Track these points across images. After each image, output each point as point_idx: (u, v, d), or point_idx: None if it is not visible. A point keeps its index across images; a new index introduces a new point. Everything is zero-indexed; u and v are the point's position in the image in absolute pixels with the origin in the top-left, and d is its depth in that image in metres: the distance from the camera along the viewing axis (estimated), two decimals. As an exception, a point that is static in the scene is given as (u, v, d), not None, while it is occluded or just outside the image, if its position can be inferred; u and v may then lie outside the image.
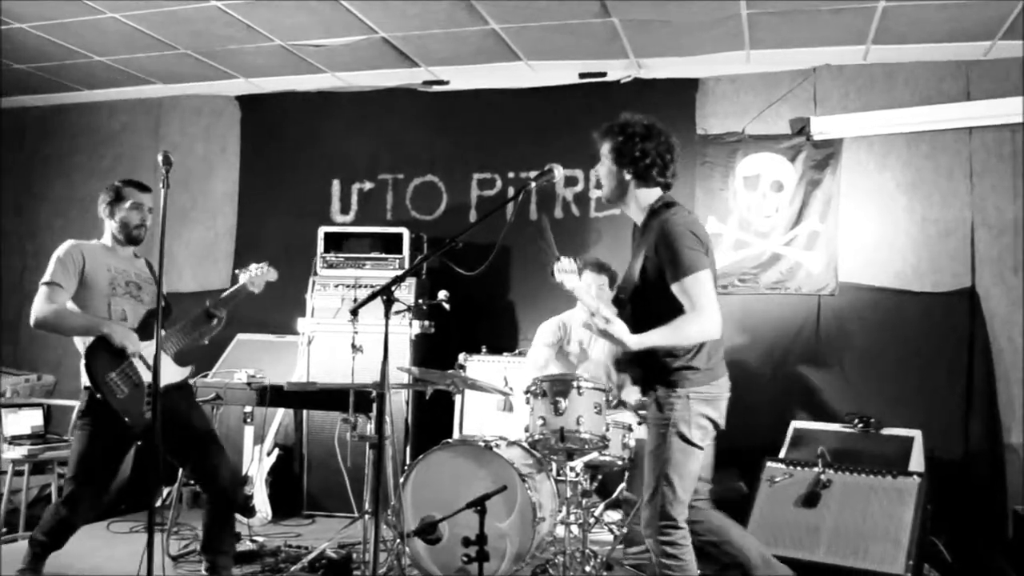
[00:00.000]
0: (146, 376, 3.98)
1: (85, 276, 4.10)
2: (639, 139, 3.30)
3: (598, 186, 6.24)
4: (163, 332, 3.80)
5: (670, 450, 3.17)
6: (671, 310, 3.10)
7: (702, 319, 3.06)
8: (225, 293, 4.38)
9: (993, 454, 5.57)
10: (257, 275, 4.37)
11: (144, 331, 4.06)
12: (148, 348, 3.98)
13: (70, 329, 4.07)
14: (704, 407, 3.19)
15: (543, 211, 6.64)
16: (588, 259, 5.54)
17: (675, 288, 3.10)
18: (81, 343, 4.05)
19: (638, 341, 3.09)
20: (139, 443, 4.36)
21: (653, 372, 3.25)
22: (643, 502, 3.26)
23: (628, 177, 3.34)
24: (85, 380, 3.98)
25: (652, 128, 3.36)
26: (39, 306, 3.99)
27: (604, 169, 3.42)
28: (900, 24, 5.50)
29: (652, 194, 3.36)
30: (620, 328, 3.09)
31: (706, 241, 3.20)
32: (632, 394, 5.28)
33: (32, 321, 4.00)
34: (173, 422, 3.95)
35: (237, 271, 4.45)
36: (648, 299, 3.21)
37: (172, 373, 4.17)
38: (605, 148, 3.40)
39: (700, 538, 3.35)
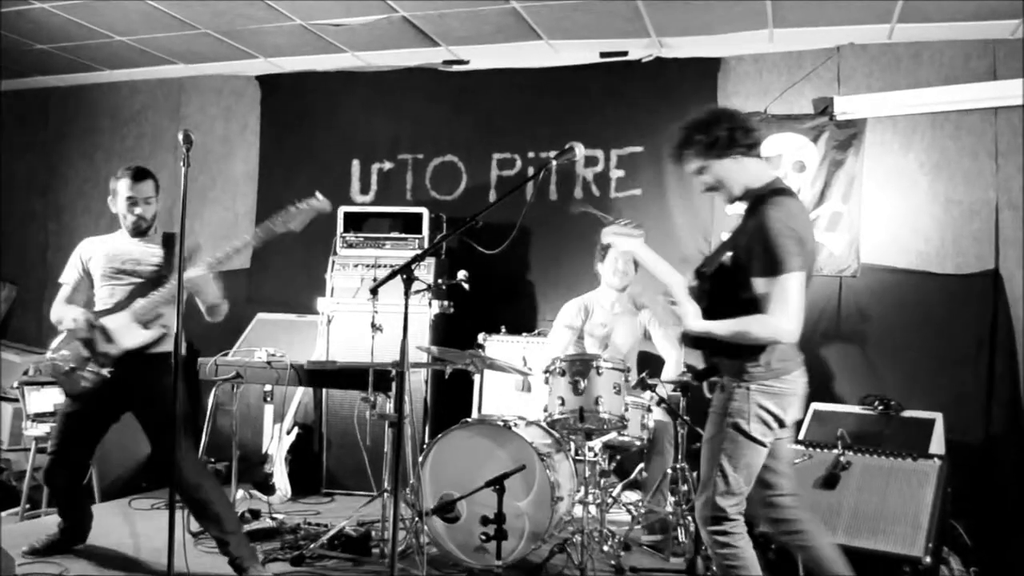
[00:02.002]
0: (101, 347, 4.14)
1: (89, 271, 4.36)
2: (714, 124, 3.18)
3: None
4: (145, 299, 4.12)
5: (725, 441, 3.13)
6: (748, 300, 3.02)
7: (776, 323, 2.97)
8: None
9: (1015, 437, 5.53)
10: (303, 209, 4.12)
11: (128, 303, 4.19)
12: (117, 317, 4.17)
13: (57, 320, 4.30)
14: (766, 401, 3.09)
15: (564, 192, 6.62)
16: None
17: (759, 283, 3.01)
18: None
19: (702, 327, 3.07)
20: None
21: (721, 358, 3.20)
22: (699, 490, 3.23)
23: (737, 159, 3.18)
24: None
25: (716, 110, 3.33)
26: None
27: (711, 176, 3.24)
28: (925, 3, 5.42)
29: (760, 170, 3.22)
30: (690, 311, 3.08)
31: (805, 235, 3.06)
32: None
33: None
34: (129, 392, 4.16)
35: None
36: (728, 282, 3.12)
37: (131, 337, 4.17)
38: (696, 159, 3.23)
39: (785, 537, 3.29)
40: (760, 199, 3.14)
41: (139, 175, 4.29)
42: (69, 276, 4.40)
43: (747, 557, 3.11)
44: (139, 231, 4.32)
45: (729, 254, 3.17)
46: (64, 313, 4.24)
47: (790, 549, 3.32)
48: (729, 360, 3.16)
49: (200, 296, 4.21)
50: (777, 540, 3.33)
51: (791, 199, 3.14)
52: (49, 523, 4.67)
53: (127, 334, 4.15)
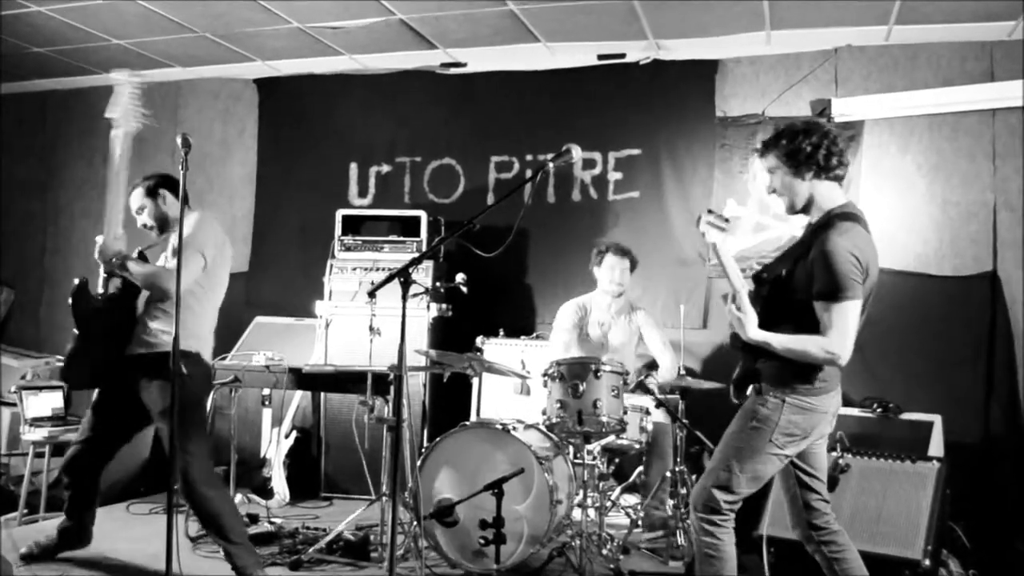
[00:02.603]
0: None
1: None
2: (803, 135, 3.20)
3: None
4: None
5: (743, 441, 3.17)
6: (804, 317, 3.06)
7: (831, 348, 3.01)
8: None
9: (1013, 439, 5.52)
10: None
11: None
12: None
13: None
14: (796, 415, 3.13)
15: (561, 195, 6.63)
16: (610, 243, 5.52)
17: (818, 306, 3.05)
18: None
19: (761, 337, 3.09)
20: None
21: (767, 363, 3.20)
22: (704, 473, 3.26)
23: (808, 178, 3.22)
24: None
25: (814, 123, 3.30)
26: None
27: (779, 181, 3.29)
28: (923, 4, 5.42)
29: (832, 191, 3.24)
30: (749, 318, 3.09)
31: (867, 264, 3.08)
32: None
33: None
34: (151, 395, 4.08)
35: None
36: (786, 296, 3.16)
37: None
38: (773, 159, 3.28)
39: (820, 548, 3.29)
40: (828, 221, 3.16)
41: (132, 190, 4.32)
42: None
43: (726, 552, 3.16)
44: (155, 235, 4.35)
45: (790, 267, 3.18)
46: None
47: (820, 560, 3.32)
48: (776, 369, 3.17)
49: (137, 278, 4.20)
50: (811, 550, 3.32)
51: (858, 226, 3.15)
52: (47, 527, 4.65)
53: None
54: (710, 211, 3.46)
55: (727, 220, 3.46)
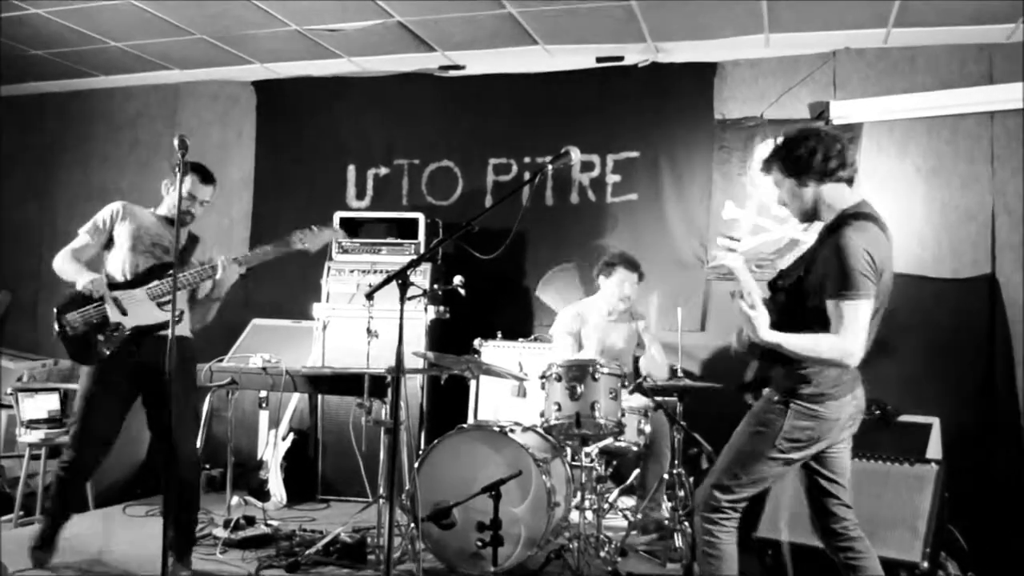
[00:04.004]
0: (113, 317, 4.15)
1: (114, 235, 4.34)
2: (798, 143, 3.19)
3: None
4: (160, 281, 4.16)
5: (748, 445, 3.15)
6: (819, 322, 3.02)
7: (843, 345, 2.95)
8: (266, 247, 4.43)
9: (1012, 442, 5.51)
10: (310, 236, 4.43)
11: (145, 279, 4.22)
12: (134, 292, 4.19)
13: (62, 272, 4.29)
14: (802, 421, 3.09)
15: (560, 197, 6.62)
16: (619, 255, 5.48)
17: (829, 304, 3.00)
18: None
19: (772, 337, 3.03)
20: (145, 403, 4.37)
21: (777, 369, 3.17)
22: (710, 471, 3.25)
23: (811, 184, 3.20)
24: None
25: (809, 129, 3.29)
26: (59, 252, 4.32)
27: (786, 192, 3.28)
28: (921, 7, 5.42)
29: (841, 193, 3.21)
30: (761, 317, 3.04)
31: (881, 264, 3.07)
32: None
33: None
34: (143, 370, 4.13)
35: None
36: (802, 299, 3.12)
37: (145, 314, 4.19)
38: (776, 173, 3.27)
39: (838, 554, 3.25)
40: (842, 220, 3.13)
41: (207, 178, 4.36)
42: (91, 230, 4.39)
43: (727, 552, 3.15)
44: (183, 223, 4.34)
45: (805, 269, 3.16)
46: (77, 274, 4.20)
47: (839, 565, 3.29)
48: (784, 375, 3.14)
49: (217, 287, 4.32)
50: (831, 555, 3.30)
51: (874, 224, 3.13)
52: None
53: (141, 311, 4.17)
54: (724, 235, 3.44)
55: (739, 240, 3.46)
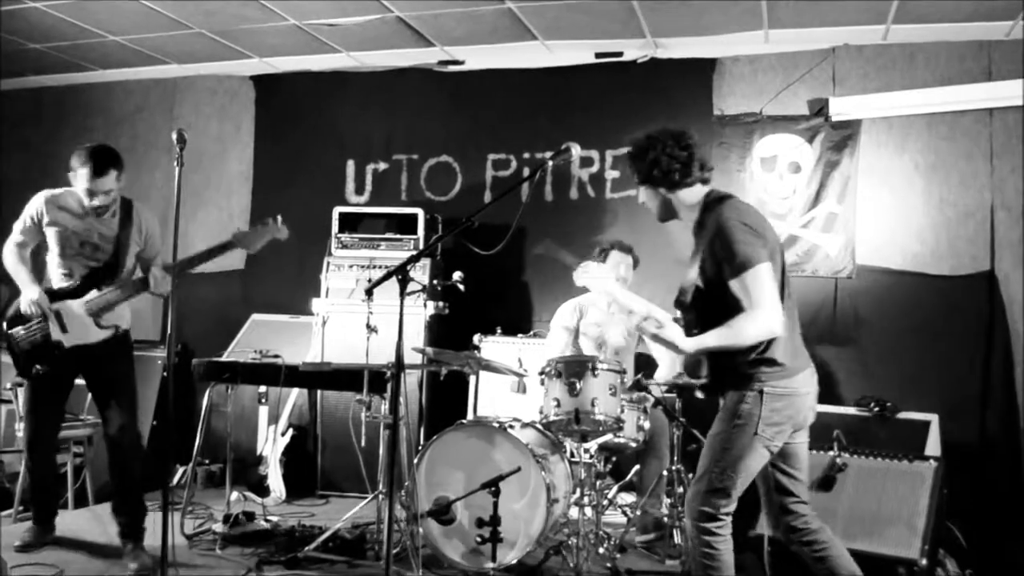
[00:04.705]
0: (55, 335, 4.22)
1: (44, 232, 4.37)
2: (643, 153, 3.22)
3: (614, 167, 6.27)
4: (99, 292, 4.23)
5: (730, 440, 3.09)
6: (736, 309, 2.99)
7: (759, 317, 2.93)
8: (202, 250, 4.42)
9: (1010, 438, 5.53)
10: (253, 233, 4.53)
11: (84, 289, 4.26)
12: (72, 305, 4.25)
13: (13, 274, 4.35)
14: (778, 403, 3.06)
15: (559, 193, 6.62)
16: (613, 240, 5.49)
17: (733, 285, 2.98)
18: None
19: (694, 344, 3.04)
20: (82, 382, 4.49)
21: (725, 373, 3.14)
22: (693, 481, 3.20)
23: (662, 191, 3.25)
24: None
25: (650, 137, 3.26)
26: (6, 246, 4.40)
27: (643, 194, 3.34)
28: (921, 4, 5.43)
29: (694, 193, 3.24)
30: (674, 332, 3.04)
31: (763, 230, 3.06)
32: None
33: None
34: (94, 374, 4.32)
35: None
36: (711, 300, 3.08)
37: (83, 332, 4.26)
38: (636, 177, 3.33)
39: (802, 548, 3.25)
40: (706, 208, 3.19)
41: (101, 168, 4.19)
42: (23, 230, 4.46)
43: (724, 560, 3.11)
44: (98, 215, 4.34)
45: (696, 271, 3.14)
46: (24, 286, 4.26)
47: (806, 559, 3.29)
48: (735, 373, 3.11)
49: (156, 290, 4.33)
50: (794, 550, 3.29)
51: (736, 199, 3.19)
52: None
53: (81, 329, 4.23)
54: (578, 263, 3.47)
55: (602, 262, 3.47)
